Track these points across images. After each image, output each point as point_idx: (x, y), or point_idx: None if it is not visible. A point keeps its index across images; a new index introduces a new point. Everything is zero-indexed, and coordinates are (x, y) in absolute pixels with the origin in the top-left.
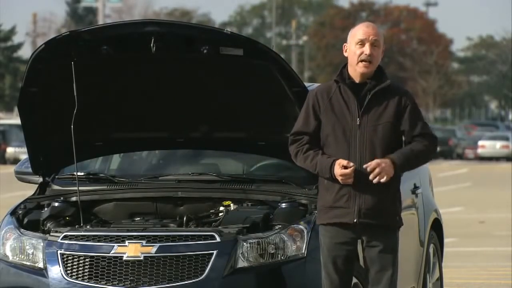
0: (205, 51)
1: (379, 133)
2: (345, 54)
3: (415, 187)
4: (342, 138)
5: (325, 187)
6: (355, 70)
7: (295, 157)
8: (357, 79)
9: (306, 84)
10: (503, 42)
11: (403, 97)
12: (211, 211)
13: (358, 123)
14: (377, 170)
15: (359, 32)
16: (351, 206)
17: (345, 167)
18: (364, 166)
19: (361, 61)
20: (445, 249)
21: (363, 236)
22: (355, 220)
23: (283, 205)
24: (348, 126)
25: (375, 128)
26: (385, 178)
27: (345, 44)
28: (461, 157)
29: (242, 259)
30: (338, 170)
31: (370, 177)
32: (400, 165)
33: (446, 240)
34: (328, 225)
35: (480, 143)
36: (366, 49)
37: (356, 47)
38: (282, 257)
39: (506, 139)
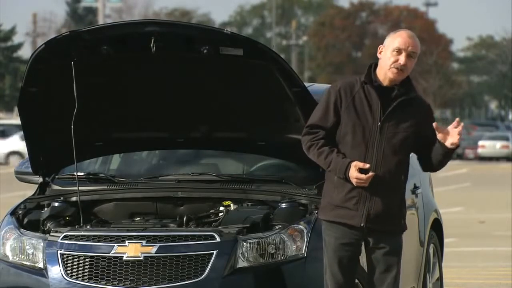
0: (205, 51)
1: (399, 140)
2: (379, 56)
3: (415, 187)
4: (361, 140)
5: (334, 184)
6: (385, 74)
7: (307, 150)
8: (384, 83)
9: (306, 84)
10: (503, 42)
11: (426, 110)
12: (211, 211)
13: (379, 127)
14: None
15: (399, 40)
16: (360, 210)
17: (361, 170)
18: (457, 119)
19: (395, 68)
20: (445, 249)
21: (369, 238)
22: (362, 224)
23: (283, 205)
24: (369, 128)
25: (395, 134)
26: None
27: (381, 45)
28: (461, 157)
29: (242, 259)
30: (354, 173)
31: (459, 132)
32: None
33: (446, 240)
34: (333, 223)
35: (480, 143)
36: (402, 58)
37: (393, 54)
38: (282, 257)
39: (506, 139)
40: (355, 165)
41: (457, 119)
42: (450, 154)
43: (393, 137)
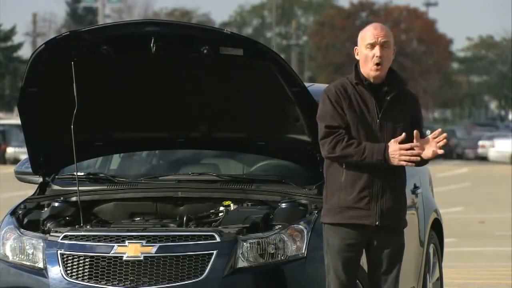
0: (205, 51)
1: (398, 135)
2: (357, 57)
3: (415, 187)
4: (365, 139)
5: (341, 186)
6: (368, 73)
7: (333, 148)
8: (372, 80)
9: (306, 84)
10: (503, 42)
11: (415, 102)
12: (211, 211)
13: (378, 124)
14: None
15: (367, 34)
16: (372, 208)
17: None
18: (439, 130)
19: (373, 64)
20: (445, 249)
21: (373, 238)
22: (377, 223)
23: (283, 205)
24: (369, 127)
25: (395, 130)
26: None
27: (356, 47)
28: (461, 157)
29: (242, 259)
30: (397, 147)
31: (441, 142)
32: None
33: (446, 240)
34: (341, 225)
35: (480, 143)
36: (377, 51)
37: (367, 50)
38: (282, 257)
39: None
40: (394, 141)
41: (439, 129)
42: (425, 161)
43: (394, 132)
